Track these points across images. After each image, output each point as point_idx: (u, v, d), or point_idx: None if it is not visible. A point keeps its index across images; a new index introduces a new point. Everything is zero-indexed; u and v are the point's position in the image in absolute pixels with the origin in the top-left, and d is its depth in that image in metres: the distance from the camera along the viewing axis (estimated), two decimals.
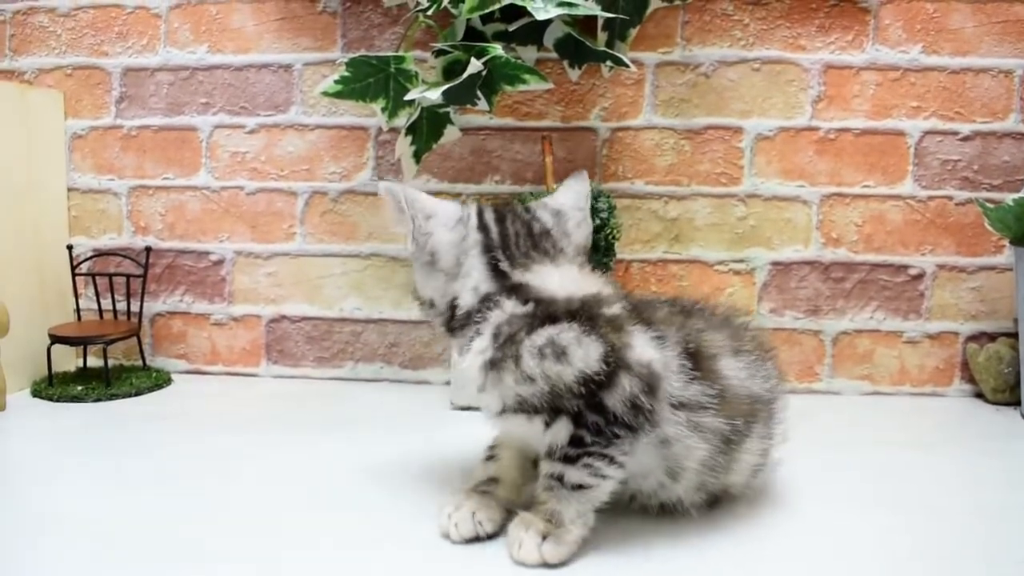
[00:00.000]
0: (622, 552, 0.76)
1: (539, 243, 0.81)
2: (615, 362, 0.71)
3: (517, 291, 0.76)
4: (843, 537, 0.81)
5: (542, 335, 0.72)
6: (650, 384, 0.72)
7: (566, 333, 0.72)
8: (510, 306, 0.75)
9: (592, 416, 0.72)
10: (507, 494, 0.82)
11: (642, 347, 0.74)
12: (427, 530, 0.81)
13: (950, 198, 1.33)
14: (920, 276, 1.34)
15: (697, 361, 0.76)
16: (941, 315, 1.34)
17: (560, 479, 0.74)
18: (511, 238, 0.80)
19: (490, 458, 0.85)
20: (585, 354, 0.71)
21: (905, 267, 1.34)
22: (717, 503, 0.84)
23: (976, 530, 0.83)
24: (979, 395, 1.33)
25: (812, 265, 1.35)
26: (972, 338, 1.34)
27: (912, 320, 1.35)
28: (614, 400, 0.71)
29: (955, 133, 1.32)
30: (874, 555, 0.77)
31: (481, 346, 0.75)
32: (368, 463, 1.00)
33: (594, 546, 0.76)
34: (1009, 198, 1.18)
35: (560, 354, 0.71)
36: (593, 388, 0.71)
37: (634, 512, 0.83)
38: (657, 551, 0.77)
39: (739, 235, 1.35)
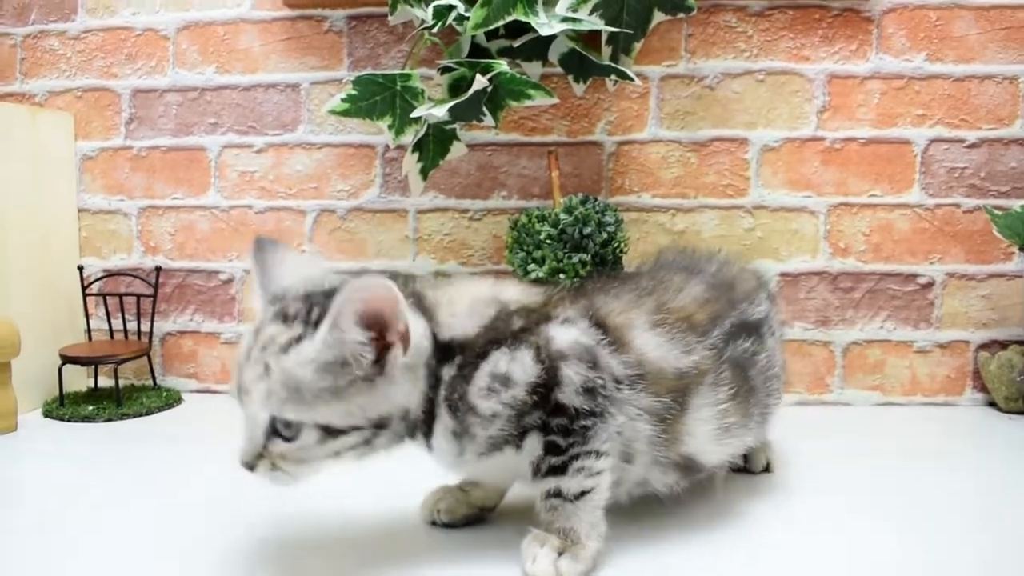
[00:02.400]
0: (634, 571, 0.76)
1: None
2: (548, 358, 0.72)
3: (446, 351, 0.73)
4: (855, 549, 0.80)
5: (482, 376, 0.72)
6: (590, 360, 0.73)
7: (499, 360, 0.72)
8: (447, 371, 0.73)
9: (556, 420, 0.72)
10: (485, 494, 0.87)
11: (562, 333, 0.74)
12: (445, 546, 0.81)
13: (958, 206, 1.32)
14: (930, 285, 1.33)
15: (608, 332, 0.76)
16: (951, 324, 1.34)
17: (559, 494, 0.74)
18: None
19: None
20: (522, 366, 0.72)
21: (914, 276, 1.34)
22: (691, 476, 0.82)
23: (990, 540, 0.82)
24: (991, 404, 1.32)
25: (820, 275, 1.35)
26: (983, 346, 1.33)
27: (922, 329, 1.34)
28: (567, 395, 0.72)
29: (961, 140, 1.32)
30: (886, 567, 0.76)
31: (441, 427, 0.73)
32: (375, 480, 1.00)
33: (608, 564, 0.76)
34: (1017, 204, 1.18)
35: (505, 380, 0.72)
36: (545, 392, 0.72)
37: (636, 524, 0.83)
38: (661, 562, 0.76)
39: (747, 247, 1.35)
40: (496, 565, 0.76)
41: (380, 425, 0.71)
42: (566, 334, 0.74)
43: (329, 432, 0.69)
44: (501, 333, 0.74)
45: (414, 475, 0.97)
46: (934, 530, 0.84)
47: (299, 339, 0.68)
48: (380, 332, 0.68)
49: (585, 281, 0.87)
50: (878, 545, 0.81)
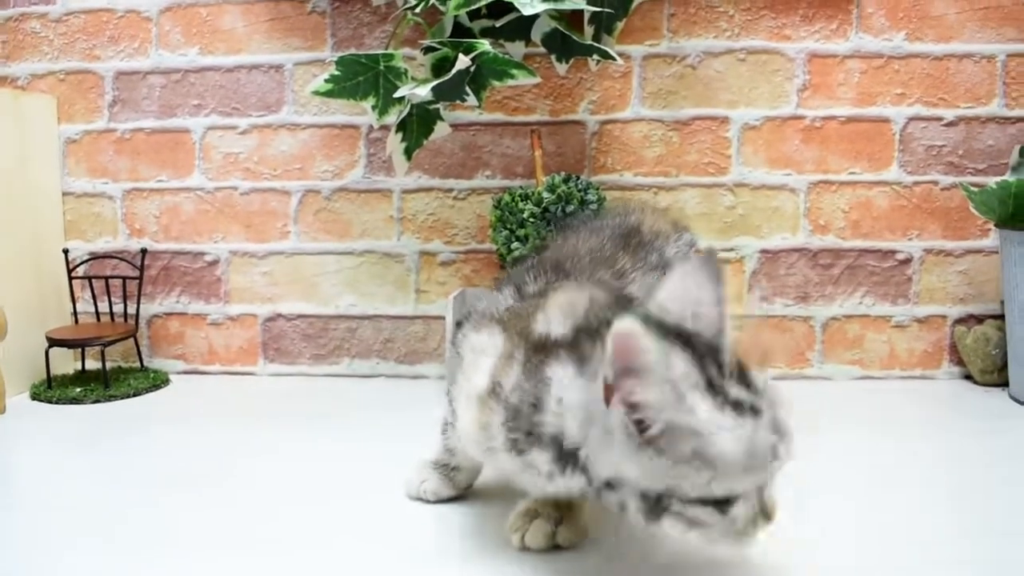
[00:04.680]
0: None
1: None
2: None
3: None
4: (834, 518, 0.82)
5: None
6: None
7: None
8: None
9: None
10: (467, 478, 0.87)
11: None
12: (426, 521, 0.82)
13: (935, 183, 1.34)
14: (907, 261, 1.36)
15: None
16: (929, 299, 1.36)
17: None
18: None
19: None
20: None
21: (892, 252, 1.36)
22: None
23: (965, 506, 0.85)
24: (968, 377, 1.35)
25: (801, 252, 1.37)
26: (960, 321, 1.36)
27: (900, 305, 1.36)
28: None
29: (939, 119, 1.33)
30: (865, 534, 0.78)
31: None
32: (366, 458, 1.02)
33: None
34: (992, 181, 1.20)
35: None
36: None
37: None
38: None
39: (728, 224, 1.36)
40: (486, 544, 0.78)
41: None
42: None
43: None
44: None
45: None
46: (911, 498, 0.87)
47: None
48: None
49: (522, 269, 0.85)
50: (856, 514, 0.83)
